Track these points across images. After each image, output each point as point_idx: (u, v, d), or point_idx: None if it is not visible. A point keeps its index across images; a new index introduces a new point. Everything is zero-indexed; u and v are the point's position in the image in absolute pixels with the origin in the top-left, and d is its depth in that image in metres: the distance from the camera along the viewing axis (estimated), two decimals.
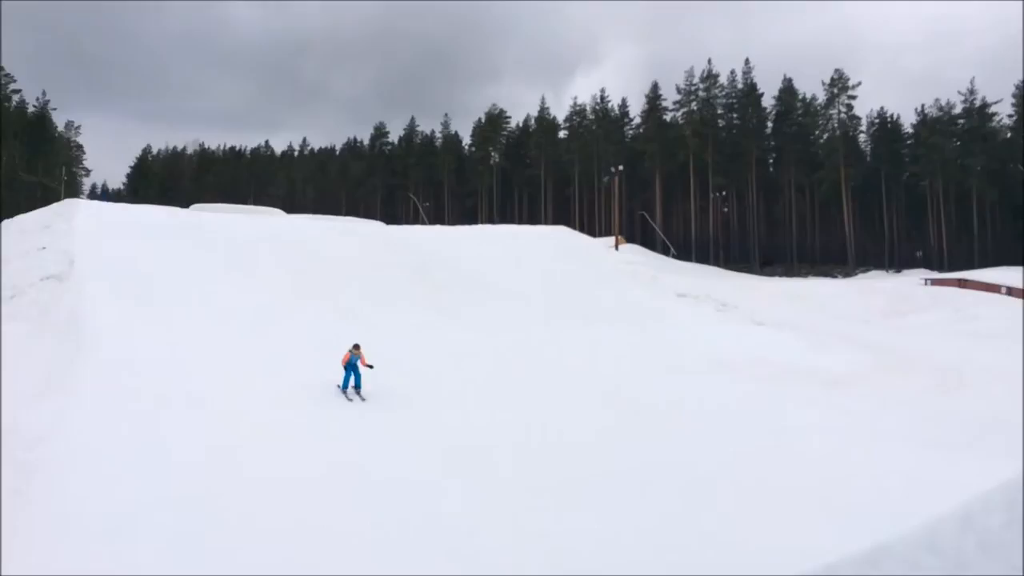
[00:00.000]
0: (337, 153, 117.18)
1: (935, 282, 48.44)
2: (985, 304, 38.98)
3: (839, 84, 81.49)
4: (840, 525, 7.52)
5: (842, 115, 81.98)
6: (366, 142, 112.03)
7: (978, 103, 77.12)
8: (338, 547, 8.21)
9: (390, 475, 10.83)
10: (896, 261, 77.48)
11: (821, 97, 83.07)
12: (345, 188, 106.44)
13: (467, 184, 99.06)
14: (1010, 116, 76.49)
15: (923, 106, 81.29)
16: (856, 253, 77.63)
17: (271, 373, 16.04)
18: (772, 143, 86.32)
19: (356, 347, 15.73)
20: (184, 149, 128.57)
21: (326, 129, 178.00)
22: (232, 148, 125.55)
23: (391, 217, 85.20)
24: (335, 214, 62.07)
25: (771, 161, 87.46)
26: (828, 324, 30.18)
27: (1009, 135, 76.67)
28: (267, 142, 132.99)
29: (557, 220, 78.83)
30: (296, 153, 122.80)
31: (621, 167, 72.61)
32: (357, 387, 15.46)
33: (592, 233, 72.14)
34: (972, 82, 78.45)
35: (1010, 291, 42.07)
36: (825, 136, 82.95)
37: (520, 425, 13.73)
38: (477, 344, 20.62)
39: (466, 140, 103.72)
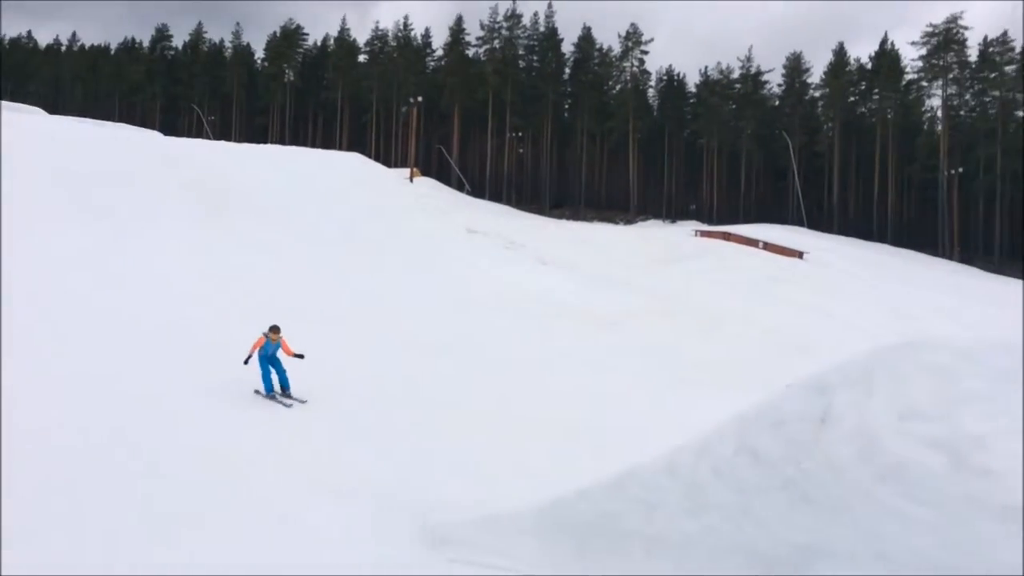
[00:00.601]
0: (112, 53, 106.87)
1: (704, 233, 52.14)
2: (745, 256, 42.61)
3: (633, 38, 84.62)
4: (598, 454, 8.01)
5: (634, 69, 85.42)
6: (146, 44, 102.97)
7: (753, 71, 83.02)
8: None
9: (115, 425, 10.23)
10: (673, 212, 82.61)
11: (617, 49, 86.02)
12: (119, 93, 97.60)
13: (258, 101, 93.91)
14: (779, 85, 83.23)
15: (706, 68, 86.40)
16: (638, 202, 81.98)
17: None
18: (569, 89, 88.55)
19: (274, 330, 11.72)
20: None
21: (100, 24, 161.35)
22: None
23: (171, 129, 79.16)
24: (107, 120, 56.79)
25: (567, 107, 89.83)
26: (608, 268, 31.74)
27: (777, 103, 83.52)
28: (30, 32, 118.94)
29: (352, 147, 76.84)
30: (64, 48, 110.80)
31: (420, 99, 71.77)
32: (284, 387, 11.70)
33: (388, 163, 71.01)
34: (750, 50, 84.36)
35: (766, 245, 46.19)
36: (618, 88, 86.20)
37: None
38: (260, 270, 19.80)
39: (259, 54, 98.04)
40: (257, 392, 11.60)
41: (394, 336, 15.56)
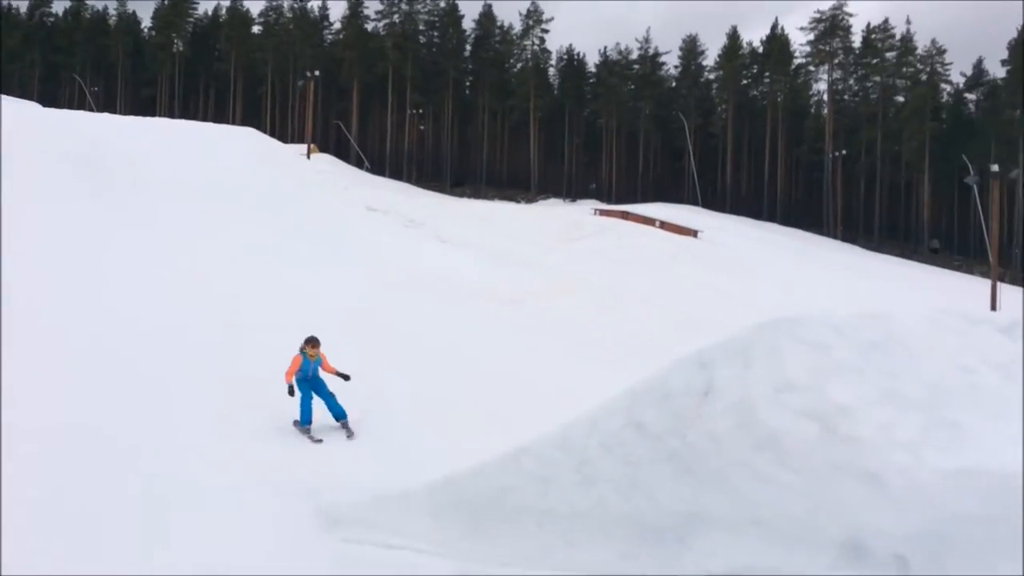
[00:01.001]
0: None
1: (603, 212, 53.02)
2: (643, 235, 43.58)
3: (534, 16, 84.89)
4: (496, 431, 8.11)
5: (535, 47, 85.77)
6: (23, 9, 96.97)
7: (651, 52, 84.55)
8: None
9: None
10: (573, 191, 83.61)
11: (518, 27, 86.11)
12: None
13: (145, 72, 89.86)
14: (676, 67, 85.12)
15: (606, 48, 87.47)
16: (539, 181, 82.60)
17: None
18: (470, 66, 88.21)
19: (312, 344, 9.77)
20: None
21: None
22: None
23: (50, 99, 75.09)
24: None
25: (468, 84, 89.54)
26: (509, 246, 31.93)
27: (674, 84, 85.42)
28: None
29: (247, 122, 74.44)
30: None
31: (317, 72, 70.13)
32: (339, 416, 9.86)
33: (284, 139, 69.22)
34: (648, 32, 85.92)
35: (663, 224, 47.34)
36: (519, 66, 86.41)
37: (187, 330, 13.02)
38: (150, 249, 19.06)
39: (146, 23, 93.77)
40: (296, 424, 9.75)
41: (291, 315, 15.30)
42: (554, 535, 4.71)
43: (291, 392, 9.51)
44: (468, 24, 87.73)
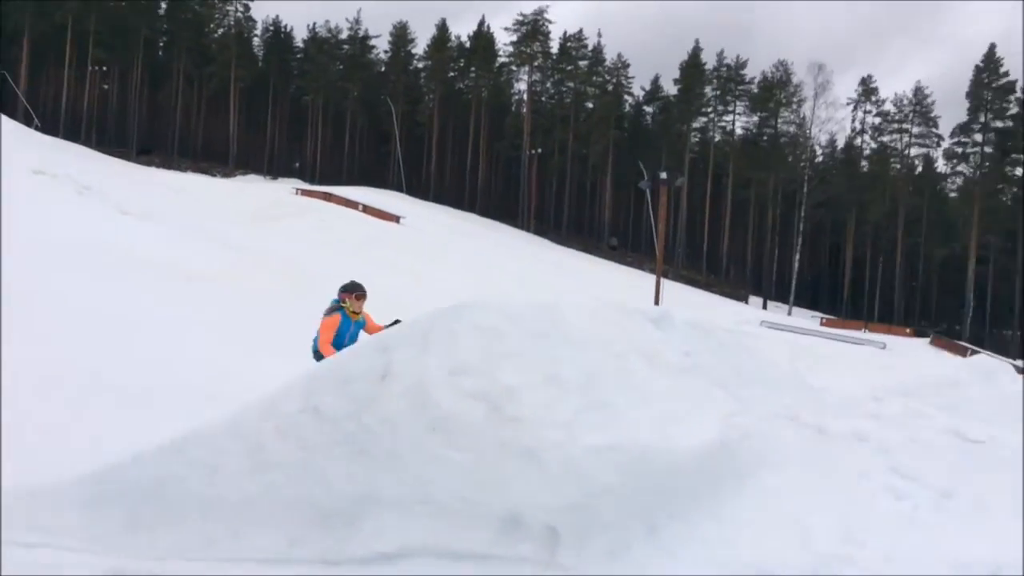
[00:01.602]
0: None
1: (305, 193, 51.92)
2: (345, 218, 43.30)
3: None
4: (159, 417, 7.59)
5: (239, 14, 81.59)
6: None
7: (362, 34, 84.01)
8: None
9: None
10: (275, 168, 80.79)
11: None
12: None
13: None
14: (386, 52, 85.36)
15: (315, 24, 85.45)
16: (238, 155, 78.79)
17: None
18: (166, 26, 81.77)
19: (357, 293, 7.28)
20: None
21: None
22: None
23: None
24: None
25: (162, 45, 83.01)
26: (202, 222, 30.16)
27: (383, 69, 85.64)
28: None
29: None
30: None
31: None
32: None
33: None
34: (359, 12, 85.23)
35: (366, 208, 47.37)
36: (220, 31, 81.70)
37: None
38: None
39: None
40: None
41: None
42: (220, 525, 4.50)
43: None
44: None
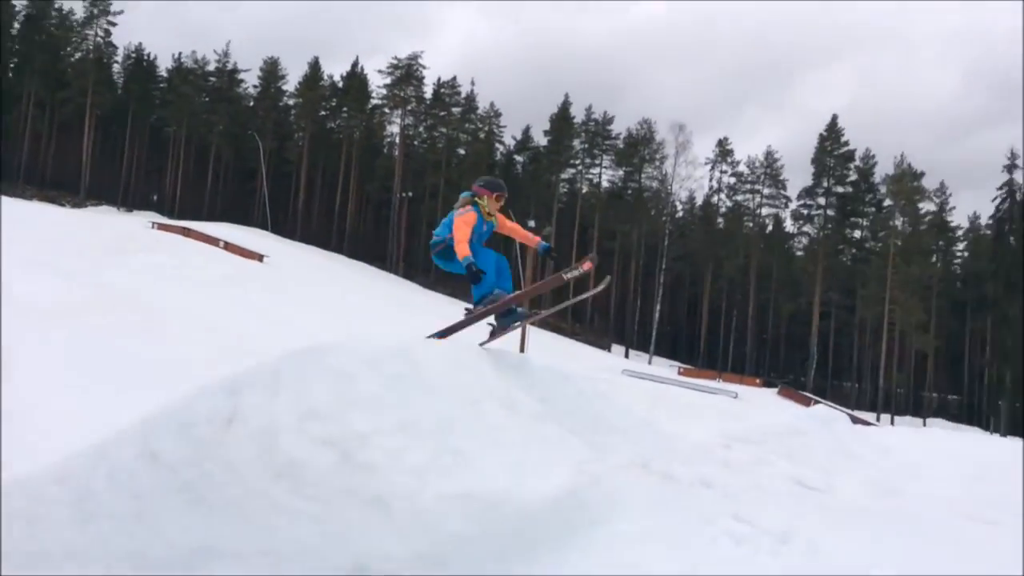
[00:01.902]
0: None
1: (162, 227, 49.84)
2: (204, 254, 41.69)
3: (100, 5, 77.56)
4: None
5: (99, 39, 78.24)
6: None
7: (230, 67, 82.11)
8: None
9: None
10: (131, 200, 77.21)
11: (80, 13, 77.85)
12: None
13: None
14: (255, 87, 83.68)
15: (180, 54, 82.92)
16: (91, 185, 74.91)
17: None
18: (17, 47, 77.34)
19: (496, 192, 6.60)
20: None
21: None
22: None
23: None
24: None
25: (13, 66, 78.41)
26: (47, 255, 28.30)
27: (252, 103, 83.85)
28: None
29: None
30: None
31: None
32: (512, 316, 6.45)
33: None
34: (228, 45, 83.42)
35: (227, 245, 45.85)
36: (78, 55, 78.01)
37: None
38: None
39: None
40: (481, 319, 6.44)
41: None
42: None
43: (474, 275, 5.98)
44: (19, 2, 77.06)
